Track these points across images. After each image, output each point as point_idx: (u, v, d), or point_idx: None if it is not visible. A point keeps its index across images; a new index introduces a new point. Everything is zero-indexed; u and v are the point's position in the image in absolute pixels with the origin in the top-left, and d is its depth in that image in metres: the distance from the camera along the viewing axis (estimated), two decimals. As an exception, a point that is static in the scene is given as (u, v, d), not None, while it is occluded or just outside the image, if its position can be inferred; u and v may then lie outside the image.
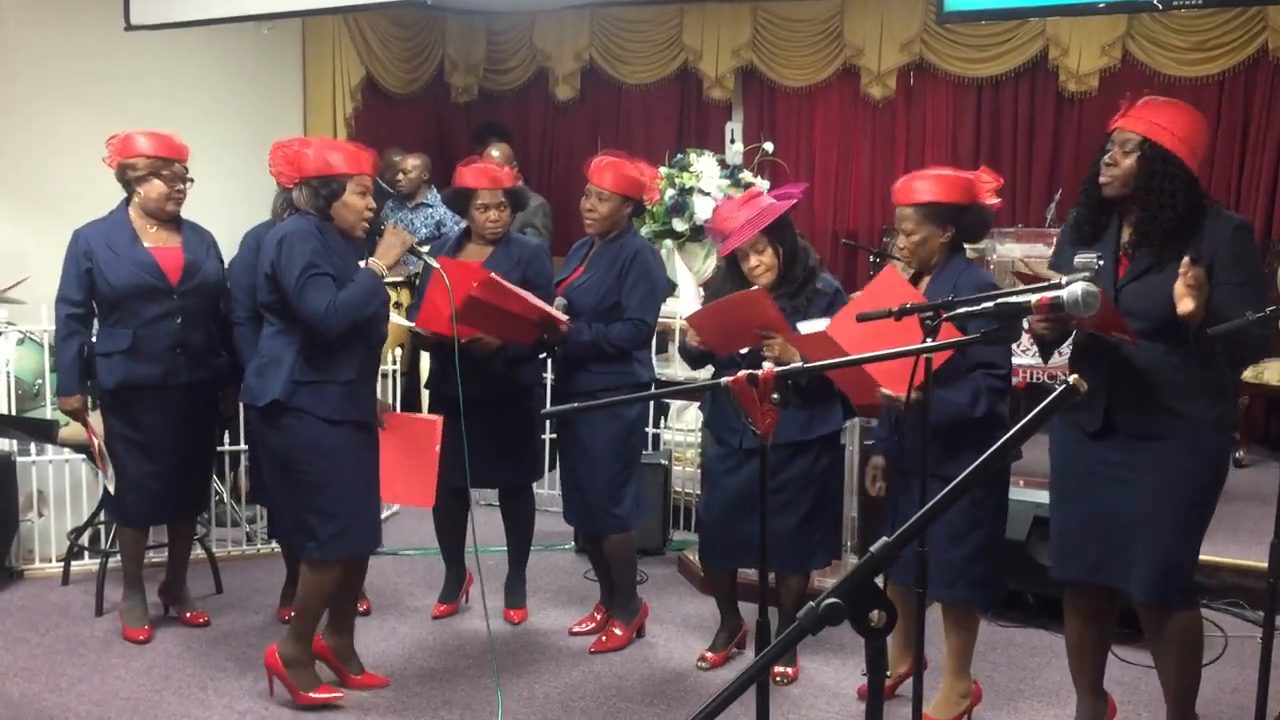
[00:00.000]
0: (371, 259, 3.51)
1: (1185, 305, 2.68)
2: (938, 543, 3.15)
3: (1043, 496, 4.31)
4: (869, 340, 2.91)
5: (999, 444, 1.38)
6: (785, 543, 3.62)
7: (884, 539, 1.33)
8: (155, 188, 3.87)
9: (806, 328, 3.26)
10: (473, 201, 4.06)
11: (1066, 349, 3.23)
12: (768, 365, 3.35)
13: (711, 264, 5.51)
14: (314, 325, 3.33)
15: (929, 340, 2.58)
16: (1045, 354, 3.16)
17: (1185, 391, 2.85)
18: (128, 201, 3.94)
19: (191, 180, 3.97)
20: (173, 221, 3.99)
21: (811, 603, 1.31)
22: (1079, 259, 2.90)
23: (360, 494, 3.47)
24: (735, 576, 3.96)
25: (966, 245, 3.41)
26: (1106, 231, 2.97)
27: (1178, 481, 2.87)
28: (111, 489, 3.91)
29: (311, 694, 3.52)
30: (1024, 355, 5.25)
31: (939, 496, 1.36)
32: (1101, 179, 2.92)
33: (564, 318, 3.88)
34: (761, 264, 3.60)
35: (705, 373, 3.96)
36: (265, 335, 3.50)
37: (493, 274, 3.74)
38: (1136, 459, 2.90)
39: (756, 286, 3.55)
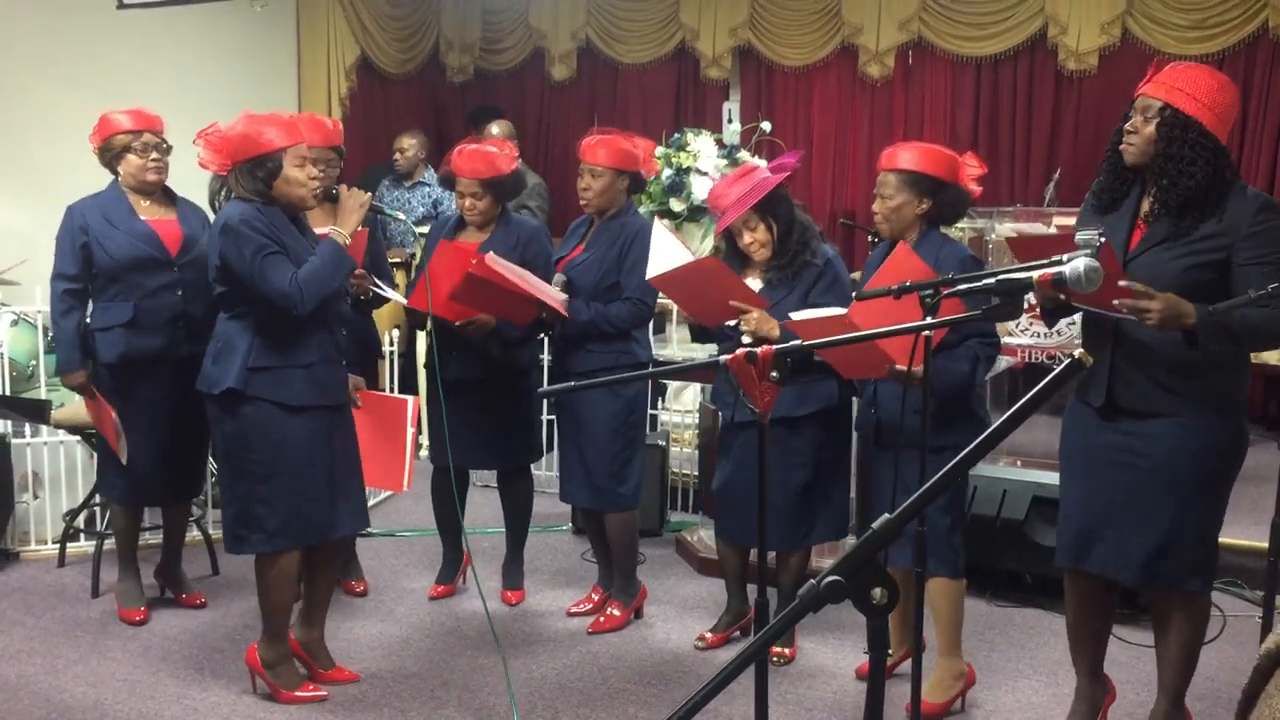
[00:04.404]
0: (331, 227, 3.38)
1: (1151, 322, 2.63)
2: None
3: (1040, 477, 4.34)
4: (877, 318, 2.89)
5: (1004, 418, 1.36)
6: (780, 519, 3.62)
7: (885, 515, 1.31)
8: (131, 162, 3.86)
9: (805, 314, 3.22)
10: (455, 186, 4.05)
11: (1070, 324, 3.20)
12: (745, 339, 3.41)
13: (709, 244, 5.50)
14: (281, 304, 3.19)
15: (929, 318, 2.56)
16: (1050, 321, 3.14)
17: (1188, 369, 2.78)
18: (116, 180, 3.94)
19: (169, 147, 3.93)
20: (166, 196, 3.98)
21: (813, 580, 1.30)
22: (1080, 236, 2.85)
23: (314, 482, 3.33)
24: (745, 558, 3.91)
25: (943, 227, 3.42)
26: (1126, 200, 2.91)
27: (1178, 462, 2.82)
28: (124, 459, 3.85)
29: (296, 693, 3.47)
30: (1023, 335, 5.23)
31: (942, 472, 1.35)
32: (1122, 146, 2.86)
33: (561, 298, 3.86)
34: (755, 240, 3.61)
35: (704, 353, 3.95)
36: (220, 320, 3.37)
37: (489, 255, 3.72)
38: (1139, 441, 2.85)
39: (757, 258, 3.59)
